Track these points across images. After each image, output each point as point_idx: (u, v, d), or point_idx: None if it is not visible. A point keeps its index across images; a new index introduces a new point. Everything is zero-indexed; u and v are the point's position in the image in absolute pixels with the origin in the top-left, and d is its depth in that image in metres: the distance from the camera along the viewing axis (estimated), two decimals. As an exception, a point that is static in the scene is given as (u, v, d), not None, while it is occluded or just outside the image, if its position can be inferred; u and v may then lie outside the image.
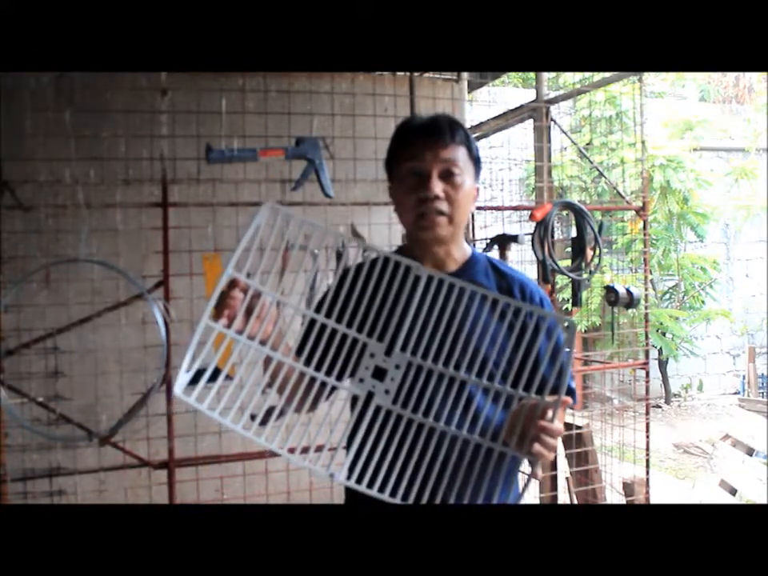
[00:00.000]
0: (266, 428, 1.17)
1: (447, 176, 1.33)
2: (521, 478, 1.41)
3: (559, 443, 3.45)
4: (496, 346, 1.24)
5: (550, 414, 1.14)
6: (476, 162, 1.39)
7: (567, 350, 1.21)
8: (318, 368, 1.22)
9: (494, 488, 1.19)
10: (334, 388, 1.24)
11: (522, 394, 1.19)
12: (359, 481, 1.17)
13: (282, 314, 1.25)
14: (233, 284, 1.18)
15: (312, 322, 1.26)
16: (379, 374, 1.22)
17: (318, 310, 1.27)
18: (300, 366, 1.22)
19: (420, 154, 1.33)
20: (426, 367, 1.21)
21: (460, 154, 1.35)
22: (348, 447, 1.22)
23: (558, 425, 1.13)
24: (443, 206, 1.33)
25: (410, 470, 1.18)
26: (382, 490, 1.17)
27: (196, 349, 1.15)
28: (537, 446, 1.12)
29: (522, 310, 1.21)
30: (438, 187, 1.32)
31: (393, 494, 1.17)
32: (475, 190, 1.41)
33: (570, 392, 1.34)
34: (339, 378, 1.23)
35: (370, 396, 1.21)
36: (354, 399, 1.23)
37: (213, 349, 1.19)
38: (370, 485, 1.17)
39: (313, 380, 1.23)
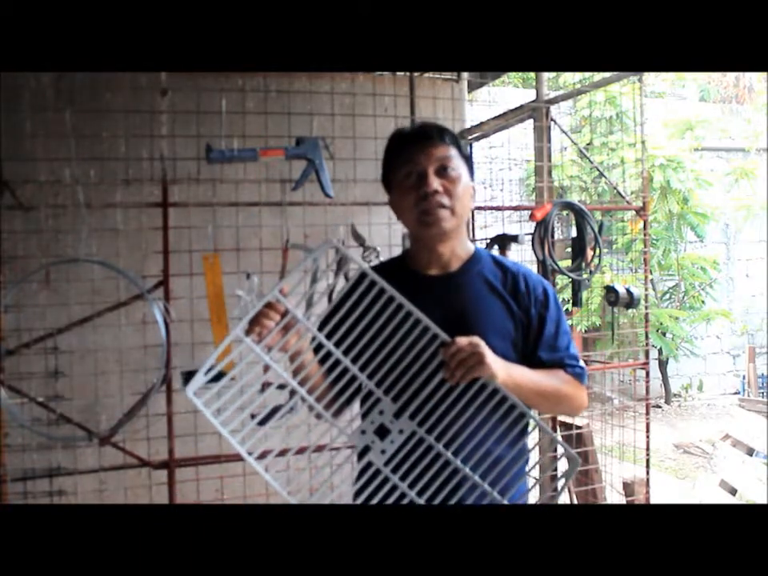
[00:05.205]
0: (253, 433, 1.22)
1: (443, 171, 1.37)
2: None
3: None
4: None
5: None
6: (467, 160, 1.43)
7: None
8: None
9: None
10: (353, 394, 1.32)
11: None
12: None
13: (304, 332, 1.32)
14: (270, 305, 1.25)
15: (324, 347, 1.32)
16: (382, 431, 1.27)
17: (328, 318, 1.34)
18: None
19: (414, 156, 1.38)
20: (427, 443, 1.26)
21: (452, 152, 1.39)
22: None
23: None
24: (444, 199, 1.35)
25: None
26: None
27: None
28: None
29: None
30: (435, 182, 1.35)
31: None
32: (472, 188, 1.43)
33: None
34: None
35: (366, 449, 1.27)
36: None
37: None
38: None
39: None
